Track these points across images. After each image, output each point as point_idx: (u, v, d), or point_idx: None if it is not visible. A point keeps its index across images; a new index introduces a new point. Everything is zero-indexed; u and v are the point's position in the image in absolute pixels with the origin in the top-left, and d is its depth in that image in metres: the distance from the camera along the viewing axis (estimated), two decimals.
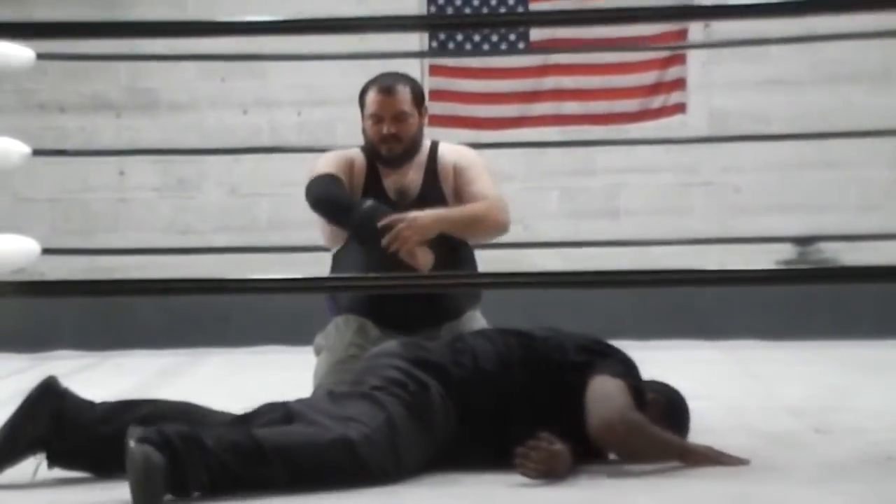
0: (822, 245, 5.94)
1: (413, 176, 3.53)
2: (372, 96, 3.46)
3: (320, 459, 2.64)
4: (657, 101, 6.21)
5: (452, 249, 3.42)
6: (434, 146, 3.60)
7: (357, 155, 3.56)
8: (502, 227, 3.52)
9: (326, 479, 2.64)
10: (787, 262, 6.00)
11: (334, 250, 3.54)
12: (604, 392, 2.82)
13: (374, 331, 3.38)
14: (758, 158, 6.06)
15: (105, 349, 5.69)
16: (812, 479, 2.72)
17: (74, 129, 6.25)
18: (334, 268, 3.53)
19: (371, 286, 3.15)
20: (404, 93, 3.47)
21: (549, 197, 6.30)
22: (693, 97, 6.19)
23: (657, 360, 4.93)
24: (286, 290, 3.46)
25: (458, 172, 3.53)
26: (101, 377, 4.83)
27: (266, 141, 6.25)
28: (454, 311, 3.43)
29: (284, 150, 6.04)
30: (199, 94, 6.33)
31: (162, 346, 5.68)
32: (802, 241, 5.91)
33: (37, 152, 4.78)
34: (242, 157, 6.19)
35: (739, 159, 6.10)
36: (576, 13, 4.45)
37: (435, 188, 3.51)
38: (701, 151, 6.08)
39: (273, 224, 6.25)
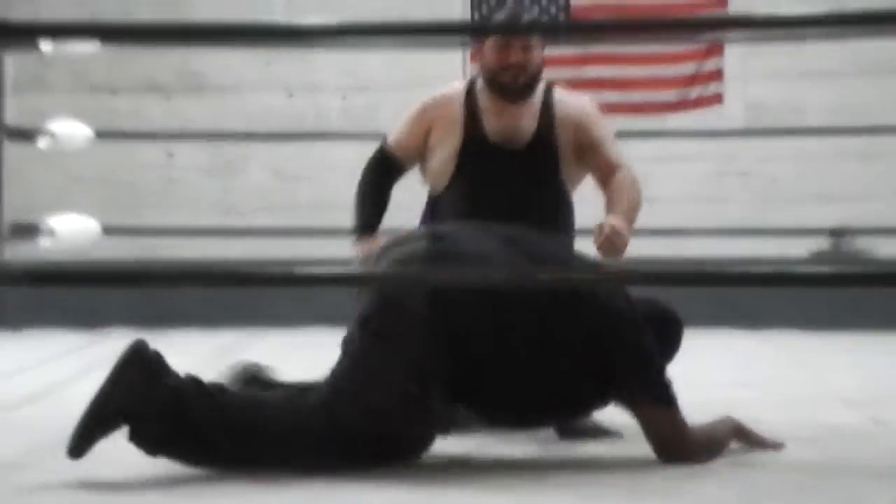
0: (858, 236, 5.89)
1: (525, 120, 3.20)
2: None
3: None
4: (695, 92, 6.16)
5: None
6: (549, 89, 3.26)
7: (456, 97, 3.25)
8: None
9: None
10: (821, 252, 5.95)
11: (435, 192, 3.30)
12: (663, 436, 2.73)
13: None
14: (794, 149, 6.01)
15: (157, 326, 5.66)
16: (882, 473, 2.67)
17: (125, 111, 6.24)
18: (433, 211, 3.30)
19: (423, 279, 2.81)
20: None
21: (588, 183, 6.23)
22: (730, 88, 6.13)
23: (699, 348, 4.91)
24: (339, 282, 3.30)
25: (582, 128, 3.23)
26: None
27: (310, 124, 6.22)
28: None
29: (328, 136, 6.02)
30: (246, 78, 6.31)
31: (214, 324, 5.66)
32: (837, 232, 5.86)
33: (97, 134, 4.78)
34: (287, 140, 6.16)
35: (776, 149, 6.05)
36: (617, 23, 4.37)
37: (549, 137, 3.20)
38: (738, 141, 6.03)
39: (315, 206, 6.22)
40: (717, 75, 6.15)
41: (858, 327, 5.41)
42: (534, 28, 3.52)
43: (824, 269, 3.84)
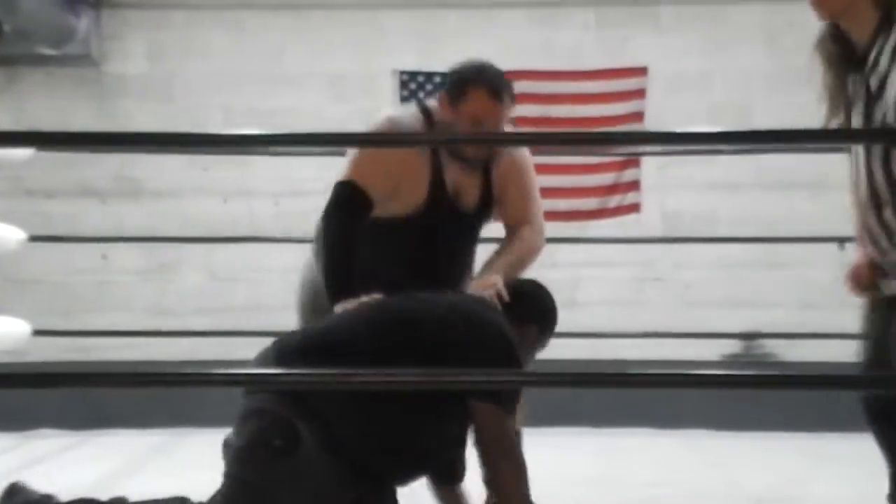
0: (766, 340, 5.99)
1: (474, 186, 3.20)
2: (481, 99, 3.05)
3: None
4: (614, 201, 6.28)
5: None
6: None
7: (418, 147, 3.12)
8: (538, 255, 3.32)
9: None
10: (733, 355, 6.04)
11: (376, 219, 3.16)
12: (489, 430, 2.68)
13: None
14: (707, 256, 6.14)
15: (87, 428, 5.56)
16: None
17: (61, 215, 6.18)
18: (373, 238, 3.14)
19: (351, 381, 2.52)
20: (510, 103, 3.10)
21: None
22: (648, 197, 6.26)
23: (615, 448, 4.95)
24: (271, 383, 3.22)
25: (509, 178, 3.24)
26: (84, 457, 4.71)
27: (244, 229, 6.21)
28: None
29: (261, 240, 6.01)
30: (182, 183, 6.30)
31: (143, 424, 5.56)
32: (748, 336, 5.96)
33: (31, 238, 4.72)
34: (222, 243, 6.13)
35: (690, 257, 6.17)
36: (552, 135, 4.45)
37: (489, 199, 3.23)
38: (654, 248, 6.13)
39: (249, 307, 6.18)
40: (635, 185, 6.29)
41: (766, 428, 5.47)
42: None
43: (734, 372, 3.92)
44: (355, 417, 2.60)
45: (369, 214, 3.09)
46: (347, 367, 2.43)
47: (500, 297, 2.98)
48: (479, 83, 3.04)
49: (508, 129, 3.21)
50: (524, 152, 3.33)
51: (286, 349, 2.71)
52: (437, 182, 3.12)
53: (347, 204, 3.07)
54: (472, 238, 3.29)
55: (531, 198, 3.30)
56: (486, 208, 3.23)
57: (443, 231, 3.16)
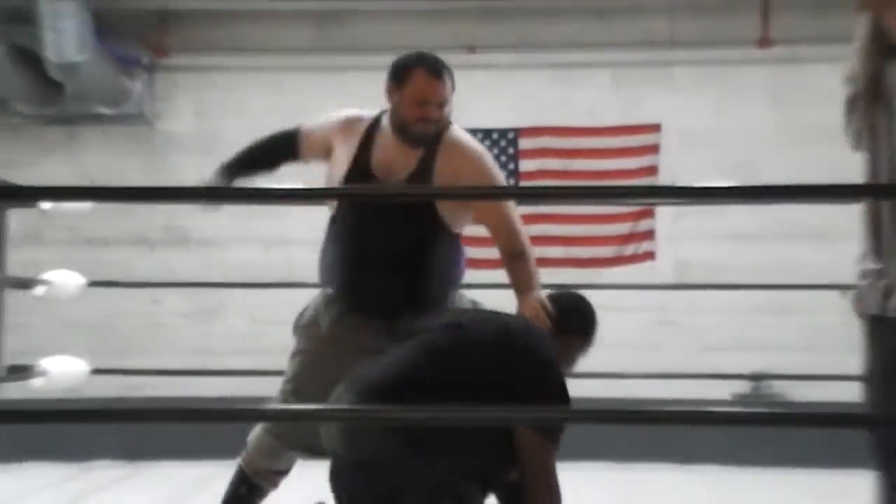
0: (774, 381, 6.18)
1: (407, 159, 3.22)
2: (422, 79, 3.19)
3: None
4: (630, 249, 6.51)
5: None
6: (441, 135, 3.24)
7: (360, 124, 3.29)
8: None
9: None
10: (742, 395, 6.22)
11: (330, 212, 3.37)
12: (532, 461, 2.74)
13: (353, 317, 3.31)
14: (717, 302, 6.35)
15: (140, 459, 5.82)
16: None
17: (115, 262, 6.52)
18: (326, 234, 3.39)
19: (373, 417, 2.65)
20: (450, 80, 3.23)
21: None
22: (662, 246, 6.49)
23: (631, 483, 5.13)
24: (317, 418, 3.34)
25: (464, 179, 3.19)
26: (137, 487, 4.95)
27: (283, 274, 6.49)
28: (432, 301, 3.21)
29: (299, 286, 6.27)
30: (226, 233, 6.60)
31: (191, 457, 5.78)
32: (756, 377, 6.14)
33: (89, 283, 5.03)
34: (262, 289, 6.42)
35: (701, 303, 6.39)
36: (569, 189, 4.73)
37: (426, 178, 3.21)
38: (668, 294, 6.37)
39: (286, 349, 6.43)
40: (650, 235, 6.53)
41: (777, 464, 5.61)
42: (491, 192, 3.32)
43: (740, 409, 4.13)
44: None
45: (292, 156, 3.42)
46: (411, 393, 2.66)
47: (547, 312, 3.09)
48: (417, 66, 3.21)
49: (448, 107, 3.19)
50: (471, 143, 3.31)
51: (364, 387, 2.80)
52: (361, 154, 3.24)
53: (281, 133, 3.46)
54: (409, 212, 3.16)
55: (511, 218, 3.26)
56: (418, 182, 3.18)
57: (363, 206, 3.20)
